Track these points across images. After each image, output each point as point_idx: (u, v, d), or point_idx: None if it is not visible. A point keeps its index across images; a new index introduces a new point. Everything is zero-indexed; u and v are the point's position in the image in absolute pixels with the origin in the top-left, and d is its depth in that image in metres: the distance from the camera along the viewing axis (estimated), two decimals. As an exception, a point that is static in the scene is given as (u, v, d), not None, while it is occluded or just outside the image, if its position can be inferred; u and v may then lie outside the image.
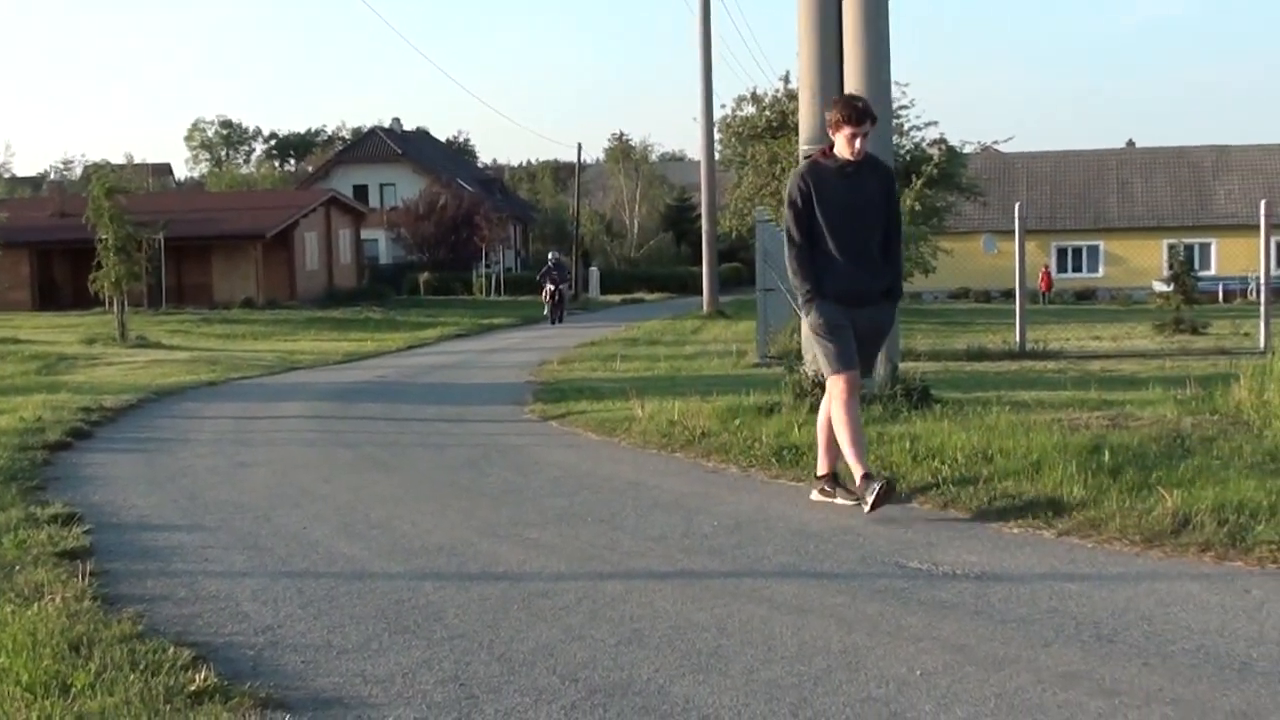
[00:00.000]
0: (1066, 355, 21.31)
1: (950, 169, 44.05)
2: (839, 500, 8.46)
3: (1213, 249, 67.13)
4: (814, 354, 8.63)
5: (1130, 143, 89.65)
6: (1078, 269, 71.42)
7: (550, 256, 47.73)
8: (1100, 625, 5.71)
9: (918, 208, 37.45)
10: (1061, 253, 71.38)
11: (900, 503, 8.37)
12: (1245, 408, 10.64)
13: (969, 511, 8.08)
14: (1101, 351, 22.29)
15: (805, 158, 8.46)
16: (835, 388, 8.33)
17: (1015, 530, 7.61)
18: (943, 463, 9.02)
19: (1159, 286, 36.32)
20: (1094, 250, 71.66)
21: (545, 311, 46.05)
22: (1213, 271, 62.73)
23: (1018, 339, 21.84)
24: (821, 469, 8.70)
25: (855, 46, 12.31)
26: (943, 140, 44.66)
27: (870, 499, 7.97)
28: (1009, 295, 28.42)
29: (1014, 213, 22.99)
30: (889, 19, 12.54)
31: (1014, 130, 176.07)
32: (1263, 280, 23.15)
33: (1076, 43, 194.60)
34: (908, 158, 41.09)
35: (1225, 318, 31.92)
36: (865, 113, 8.31)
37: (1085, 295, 65.43)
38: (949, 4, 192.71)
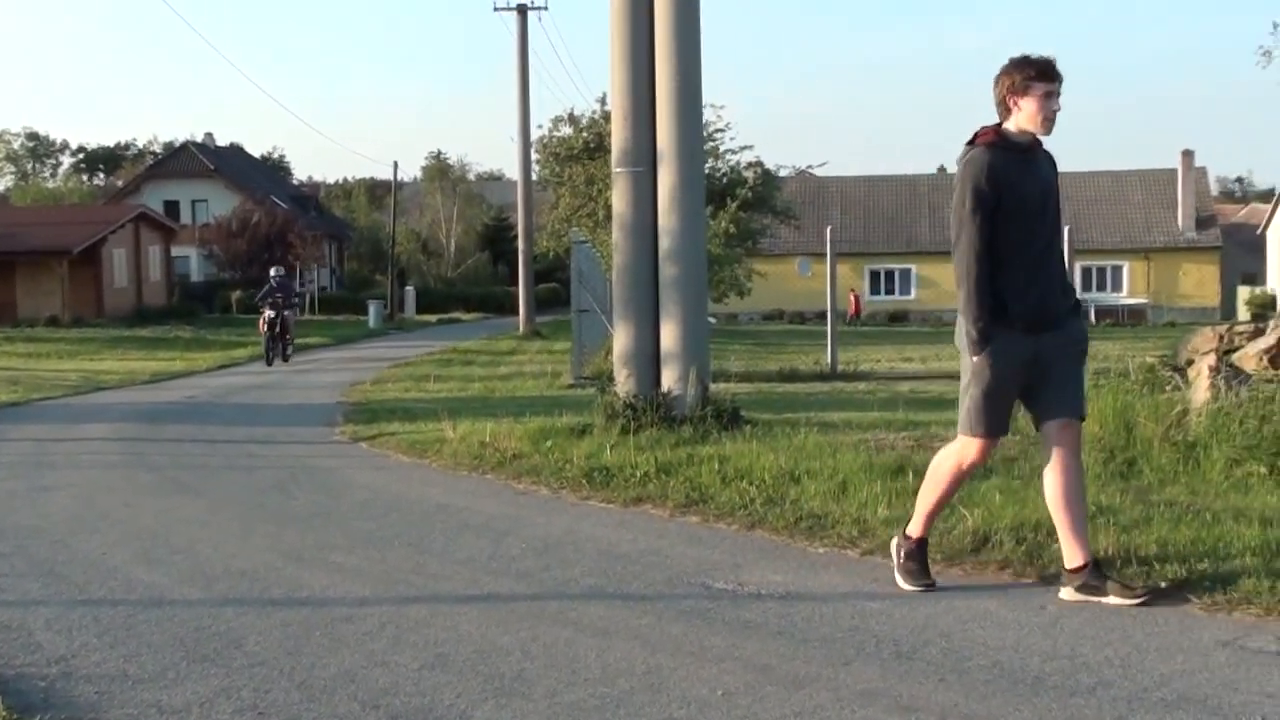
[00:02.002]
0: (877, 376, 21.68)
1: (765, 192, 44.71)
2: (1113, 600, 6.31)
3: (1020, 273, 68.71)
4: (966, 403, 6.53)
5: (941, 169, 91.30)
6: (890, 292, 72.73)
7: (272, 275, 34.11)
8: (900, 643, 5.79)
9: (732, 230, 37.86)
10: (874, 275, 72.66)
11: (708, 523, 8.43)
12: (1047, 429, 10.87)
13: (776, 532, 8.15)
14: (911, 373, 22.70)
15: (969, 143, 6.48)
16: (968, 451, 6.61)
17: (821, 550, 7.68)
18: (751, 484, 9.11)
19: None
20: (906, 273, 73.03)
21: (263, 348, 33.25)
22: (1020, 295, 64.16)
23: (829, 360, 22.15)
24: (1076, 558, 6.48)
25: (667, 68, 12.38)
26: (759, 163, 45.27)
27: (1134, 593, 6.31)
28: (823, 317, 28.80)
29: (827, 236, 23.31)
30: (700, 43, 12.63)
31: (828, 155, 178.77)
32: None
33: (893, 70, 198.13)
34: (723, 180, 41.59)
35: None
36: (1054, 67, 6.44)
37: (898, 317, 66.64)
38: (766, 28, 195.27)
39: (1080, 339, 6.62)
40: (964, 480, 6.86)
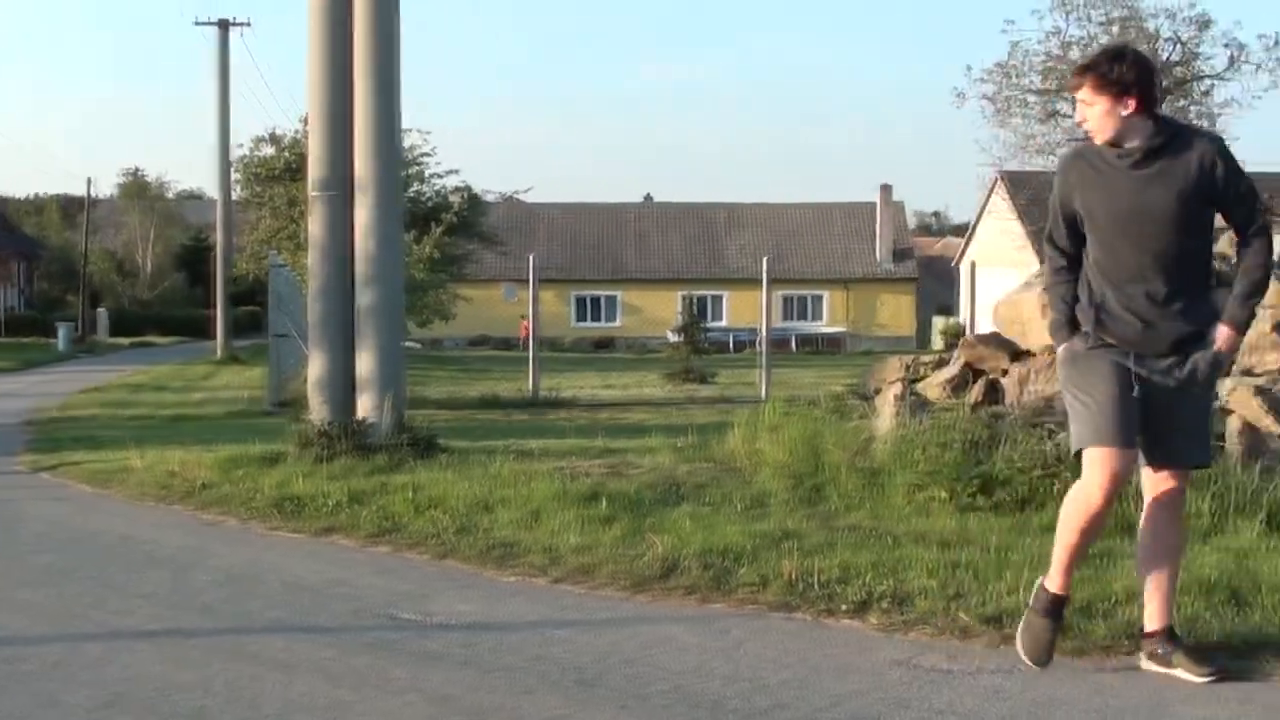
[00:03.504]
0: (579, 403, 21.77)
1: (471, 217, 44.60)
2: (1180, 674, 5.52)
3: (724, 301, 70.09)
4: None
5: (648, 197, 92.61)
6: (596, 318, 73.30)
7: None
8: (584, 670, 5.80)
9: (437, 255, 37.67)
10: (581, 302, 73.16)
11: (398, 553, 8.35)
12: (738, 455, 11.08)
13: (467, 561, 8.10)
14: (612, 400, 22.86)
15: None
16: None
17: (510, 579, 7.66)
18: (444, 512, 9.06)
19: (672, 337, 37.62)
20: (612, 300, 73.70)
21: None
22: (724, 323, 65.50)
23: (531, 387, 22.18)
24: (1156, 620, 5.66)
25: (366, 93, 12.28)
26: (466, 188, 45.16)
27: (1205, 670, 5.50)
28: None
29: (530, 262, 23.37)
30: (399, 67, 12.56)
31: (535, 181, 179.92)
32: (763, 332, 24.33)
33: (595, 99, 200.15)
34: (429, 205, 41.39)
35: (734, 367, 33.26)
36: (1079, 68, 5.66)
37: (603, 344, 67.11)
38: (474, 54, 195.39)
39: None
40: (1098, 520, 5.71)
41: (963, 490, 8.75)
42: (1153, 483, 5.63)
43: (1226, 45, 41.64)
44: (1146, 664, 5.63)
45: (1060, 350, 5.76)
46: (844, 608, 6.59)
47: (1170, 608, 5.66)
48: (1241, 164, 5.53)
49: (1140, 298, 5.47)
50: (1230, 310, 5.48)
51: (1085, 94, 5.47)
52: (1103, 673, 5.63)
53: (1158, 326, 5.46)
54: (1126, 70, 5.38)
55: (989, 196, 59.40)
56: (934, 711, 5.21)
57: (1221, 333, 5.48)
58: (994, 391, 11.16)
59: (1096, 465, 5.46)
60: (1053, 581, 5.71)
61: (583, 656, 6.02)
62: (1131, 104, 5.38)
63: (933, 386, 11.48)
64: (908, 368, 12.44)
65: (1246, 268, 5.51)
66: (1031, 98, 42.21)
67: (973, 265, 63.97)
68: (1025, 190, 50.53)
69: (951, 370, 11.62)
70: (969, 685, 5.51)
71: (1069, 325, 5.71)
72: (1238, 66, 42.11)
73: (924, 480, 9.02)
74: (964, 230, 71.46)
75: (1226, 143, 5.58)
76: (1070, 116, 42.04)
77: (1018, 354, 11.25)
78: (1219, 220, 5.60)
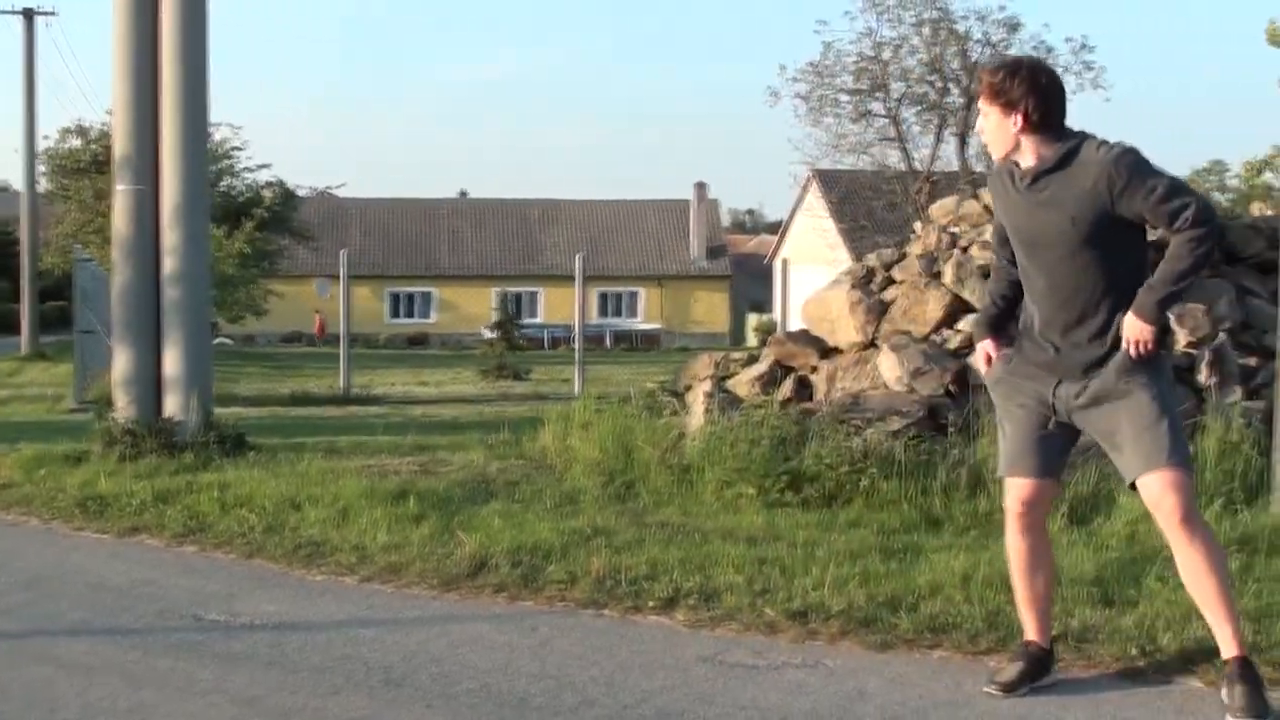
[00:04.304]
0: (391, 400, 21.62)
1: (284, 212, 44.11)
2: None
3: (540, 298, 70.09)
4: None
5: (463, 193, 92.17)
6: (411, 315, 72.78)
7: None
8: (391, 670, 5.78)
9: (248, 250, 37.17)
10: (395, 298, 72.58)
11: (205, 552, 8.25)
12: (550, 452, 11.12)
13: (275, 560, 8.01)
14: (426, 397, 22.75)
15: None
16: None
17: (319, 578, 7.59)
18: (251, 511, 8.94)
19: (487, 333, 37.54)
20: (427, 296, 73.23)
21: None
22: (540, 319, 65.52)
23: (343, 384, 21.98)
24: (1231, 646, 5.13)
25: (172, 84, 12.08)
26: (278, 183, 44.66)
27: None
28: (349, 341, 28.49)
29: (342, 258, 23.15)
30: (207, 59, 12.38)
31: (350, 177, 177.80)
32: (578, 328, 24.40)
33: (410, 95, 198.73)
34: (240, 199, 40.86)
35: (550, 364, 33.30)
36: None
37: (418, 340, 66.70)
38: (289, 46, 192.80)
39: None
40: (1023, 551, 5.52)
41: (771, 486, 8.87)
42: (1148, 505, 5.18)
43: (1035, 48, 42.61)
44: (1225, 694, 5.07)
45: (985, 375, 5.58)
46: (652, 604, 6.64)
47: (1239, 627, 5.16)
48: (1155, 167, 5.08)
49: (1053, 323, 5.24)
50: (1138, 297, 5.06)
51: (981, 102, 5.22)
52: (906, 666, 5.74)
53: (1068, 354, 5.22)
54: (1016, 85, 5.10)
55: (802, 195, 60.15)
56: (739, 707, 5.28)
57: (1126, 321, 5.08)
58: (803, 388, 11.31)
59: (1007, 493, 5.46)
60: (1026, 630, 5.59)
61: (390, 656, 6.00)
62: (1019, 120, 5.11)
63: (743, 383, 11.60)
64: (718, 365, 12.54)
65: (1165, 258, 5.03)
66: (844, 97, 42.77)
67: (785, 263, 64.86)
68: (837, 188, 51.24)
69: (761, 367, 11.74)
70: (774, 680, 5.60)
71: (986, 325, 5.60)
72: (1046, 68, 43.09)
73: (733, 477, 9.13)
74: (778, 228, 72.23)
75: (1134, 152, 5.07)
76: (882, 116, 42.87)
77: (826, 351, 11.42)
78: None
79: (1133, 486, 5.20)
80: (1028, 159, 5.17)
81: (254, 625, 6.60)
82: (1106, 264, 5.14)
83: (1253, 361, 10.13)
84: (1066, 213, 5.08)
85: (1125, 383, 5.12)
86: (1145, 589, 6.54)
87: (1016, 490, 5.39)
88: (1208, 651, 5.45)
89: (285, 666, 5.88)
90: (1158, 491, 5.04)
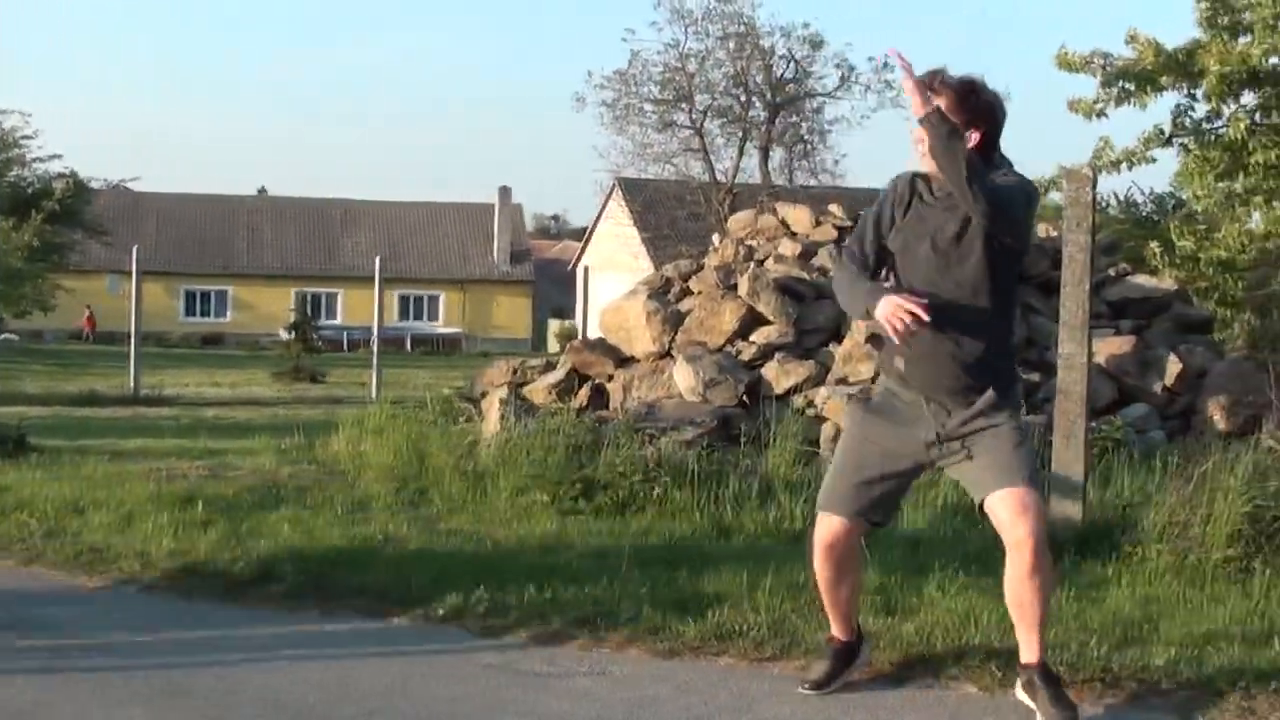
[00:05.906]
0: (182, 401, 21.19)
1: (76, 205, 43.02)
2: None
3: (339, 299, 69.28)
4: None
5: (263, 190, 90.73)
6: (206, 313, 71.45)
7: None
8: (173, 680, 5.68)
9: (37, 244, 36.16)
10: (190, 296, 71.21)
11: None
12: (342, 457, 11.02)
13: (55, 566, 7.73)
14: (218, 398, 22.34)
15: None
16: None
17: (100, 585, 7.38)
18: (32, 515, 8.70)
19: (283, 334, 37.00)
20: (223, 295, 71.96)
21: None
22: (339, 321, 64.78)
23: (132, 384, 21.49)
24: (1035, 652, 5.23)
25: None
26: (70, 174, 43.59)
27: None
28: (142, 339, 27.85)
29: (134, 254, 22.62)
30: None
31: (144, 170, 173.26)
32: (375, 331, 24.20)
33: (209, 87, 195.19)
34: (29, 190, 39.81)
35: (348, 366, 32.90)
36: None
37: (213, 340, 65.46)
38: (77, 34, 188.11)
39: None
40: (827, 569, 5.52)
41: (564, 494, 8.91)
42: (1000, 518, 5.10)
43: (838, 66, 43.48)
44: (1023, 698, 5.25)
45: (848, 404, 5.43)
46: (442, 612, 6.61)
47: (1043, 637, 5.26)
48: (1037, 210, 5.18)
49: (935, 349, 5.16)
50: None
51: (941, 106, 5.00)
52: (692, 673, 5.80)
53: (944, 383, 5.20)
54: (979, 101, 5.14)
55: (606, 202, 60.42)
56: (528, 714, 5.30)
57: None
58: (600, 396, 11.39)
59: (819, 524, 5.41)
60: (832, 627, 5.67)
61: (173, 665, 5.89)
62: (975, 137, 5.08)
63: (539, 390, 11.63)
64: (515, 371, 12.57)
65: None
66: (649, 106, 43.18)
67: (586, 270, 65.03)
68: (641, 197, 51.56)
69: (558, 374, 11.79)
70: (563, 688, 5.62)
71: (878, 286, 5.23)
72: (848, 86, 44.05)
73: (527, 484, 9.15)
74: (583, 234, 72.45)
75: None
76: (686, 127, 43.28)
77: (623, 360, 11.51)
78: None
79: (980, 507, 5.20)
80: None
81: (32, 634, 6.42)
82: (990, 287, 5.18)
83: (1035, 377, 10.45)
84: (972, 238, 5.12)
85: (993, 412, 5.17)
86: (926, 597, 6.71)
87: (829, 525, 5.37)
88: (983, 657, 5.68)
89: (64, 677, 5.73)
90: (1015, 506, 5.03)
